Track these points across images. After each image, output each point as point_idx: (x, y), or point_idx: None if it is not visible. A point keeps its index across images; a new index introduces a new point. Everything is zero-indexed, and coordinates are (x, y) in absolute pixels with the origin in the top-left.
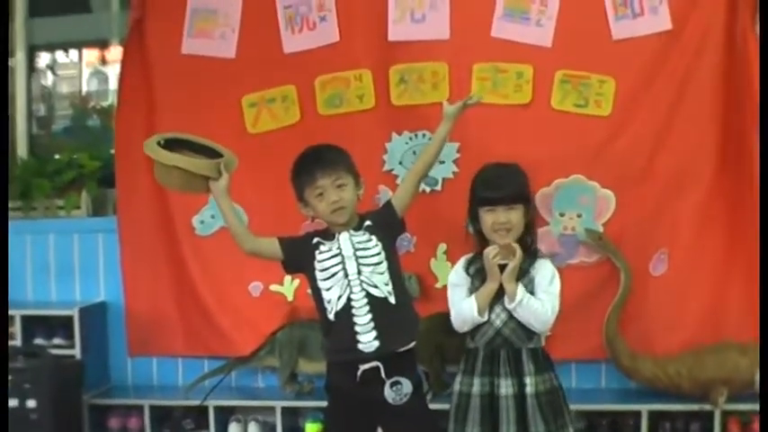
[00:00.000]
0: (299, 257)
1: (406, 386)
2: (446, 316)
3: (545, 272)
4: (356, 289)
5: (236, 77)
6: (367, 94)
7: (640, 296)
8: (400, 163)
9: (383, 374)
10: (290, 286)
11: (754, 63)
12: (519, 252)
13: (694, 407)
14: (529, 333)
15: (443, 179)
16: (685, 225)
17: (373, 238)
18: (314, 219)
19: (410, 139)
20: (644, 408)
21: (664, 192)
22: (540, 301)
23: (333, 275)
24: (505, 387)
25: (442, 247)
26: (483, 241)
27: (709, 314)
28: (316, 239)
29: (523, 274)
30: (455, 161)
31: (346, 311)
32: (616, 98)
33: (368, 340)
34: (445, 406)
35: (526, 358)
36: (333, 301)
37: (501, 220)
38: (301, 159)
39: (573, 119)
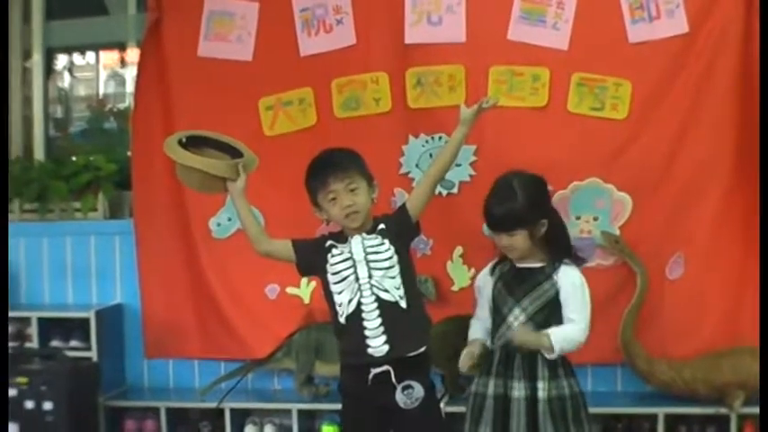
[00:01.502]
0: (312, 260)
1: (418, 390)
2: (463, 319)
3: (571, 283)
4: (366, 293)
5: (252, 80)
6: (384, 97)
7: (657, 300)
8: (417, 166)
9: (393, 379)
10: (306, 289)
11: None
12: (520, 332)
13: (710, 410)
14: None
15: (460, 182)
16: (702, 229)
17: (386, 241)
18: (329, 222)
19: (426, 142)
20: (660, 411)
21: (680, 195)
22: (572, 328)
23: (344, 279)
24: (518, 390)
25: (459, 250)
26: None
27: (725, 318)
28: (329, 242)
29: (546, 278)
30: (472, 164)
31: (357, 315)
32: (632, 101)
33: (378, 344)
34: (461, 409)
35: (541, 363)
36: (344, 304)
37: (503, 243)
38: (314, 164)
39: (589, 122)
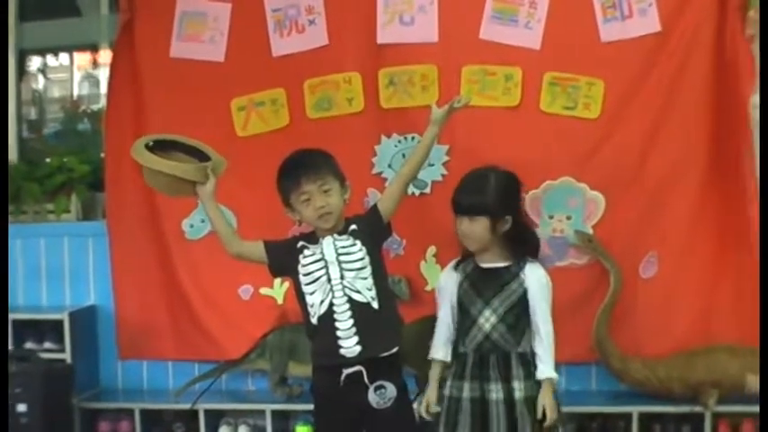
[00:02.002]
0: (283, 261)
1: (390, 390)
2: (435, 319)
3: (537, 281)
4: (338, 294)
5: (225, 81)
6: (356, 97)
7: (630, 298)
8: (389, 166)
9: (366, 379)
10: (279, 289)
11: (745, 64)
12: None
13: (685, 409)
14: (518, 337)
15: (433, 182)
16: (675, 227)
17: (357, 242)
18: (301, 222)
19: (399, 141)
20: (634, 410)
21: (653, 194)
22: (548, 337)
23: (316, 280)
24: (495, 392)
25: (432, 249)
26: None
27: (699, 317)
28: (300, 243)
29: (513, 277)
30: (444, 164)
31: (329, 316)
32: (605, 100)
33: (350, 345)
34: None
35: (515, 362)
36: (315, 305)
37: (463, 228)
38: (286, 164)
39: (562, 121)
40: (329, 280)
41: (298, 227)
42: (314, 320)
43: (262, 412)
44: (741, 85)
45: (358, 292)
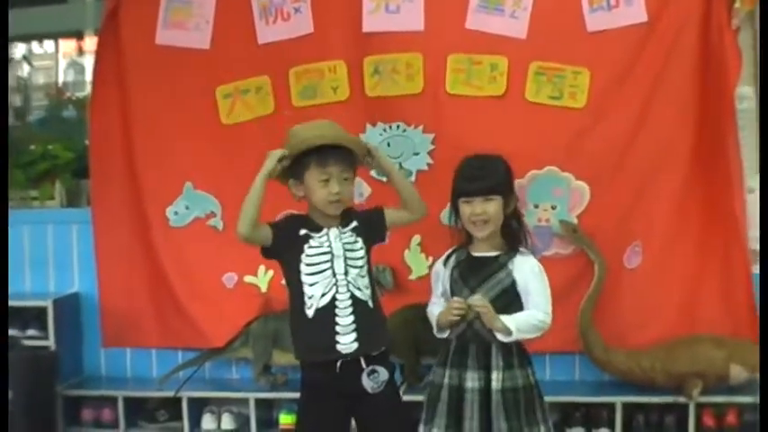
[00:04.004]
0: (285, 246)
1: (383, 374)
2: (421, 307)
3: (530, 271)
4: (342, 289)
5: (210, 68)
6: (341, 86)
7: (614, 289)
8: None
9: (363, 363)
10: (264, 277)
11: (731, 56)
12: (482, 302)
13: (669, 399)
14: None
15: (417, 171)
16: (660, 218)
17: (359, 240)
18: (301, 199)
19: (384, 130)
20: (618, 400)
21: (638, 184)
22: (530, 312)
23: (320, 272)
24: (472, 380)
25: (416, 238)
26: (465, 235)
27: (683, 307)
28: (303, 231)
29: (501, 267)
30: (430, 153)
31: (328, 310)
32: (591, 90)
33: (348, 342)
34: (418, 398)
35: (495, 352)
36: (315, 297)
37: (477, 211)
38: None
39: (547, 111)
40: (334, 274)
41: (298, 201)
42: (309, 312)
43: (245, 401)
44: (727, 76)
45: (359, 289)
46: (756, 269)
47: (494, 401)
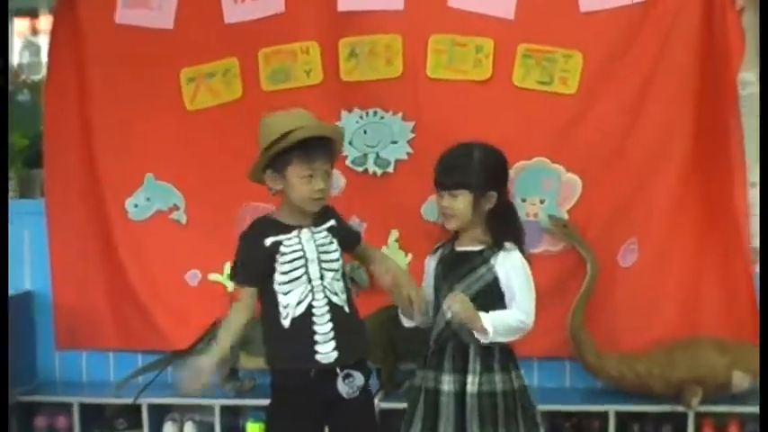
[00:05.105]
0: (261, 274)
1: (359, 379)
2: (396, 308)
3: (511, 266)
4: (319, 295)
5: (173, 50)
6: (314, 69)
7: (608, 289)
8: (350, 143)
9: (338, 369)
10: (229, 275)
11: (734, 38)
12: (459, 297)
13: (666, 408)
14: None
15: (396, 161)
16: (657, 213)
17: (335, 241)
18: (276, 194)
19: (361, 117)
20: (611, 408)
21: (634, 177)
22: (510, 312)
23: (294, 279)
24: (448, 384)
25: (395, 233)
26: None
27: (682, 308)
28: (270, 241)
29: (483, 262)
30: (409, 142)
31: (305, 319)
32: (583, 75)
33: (327, 350)
34: (396, 405)
35: (473, 355)
36: (290, 306)
37: (443, 204)
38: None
39: (536, 97)
40: (309, 280)
41: (272, 195)
42: (285, 322)
43: (210, 408)
44: (730, 60)
45: (335, 294)
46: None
47: (468, 406)
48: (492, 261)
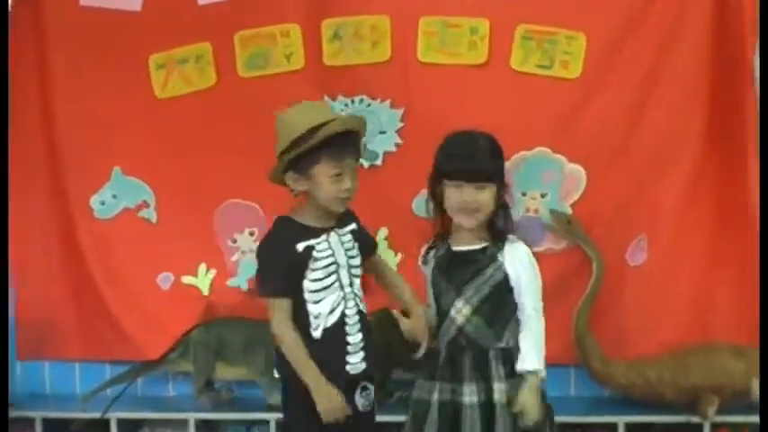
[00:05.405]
0: (295, 283)
1: (372, 391)
2: (389, 312)
3: (519, 261)
4: (350, 303)
5: (142, 34)
6: (295, 53)
7: (616, 289)
8: None
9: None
10: (204, 278)
11: (749, 19)
12: (529, 402)
13: (679, 418)
14: (498, 331)
15: (385, 152)
16: (668, 207)
17: (356, 245)
18: (298, 195)
19: (346, 105)
20: (620, 419)
21: (643, 168)
22: (534, 328)
23: (327, 287)
24: (469, 395)
25: (384, 231)
26: (444, 220)
27: (695, 310)
28: (303, 245)
29: (491, 260)
30: (398, 131)
31: (338, 328)
32: (587, 58)
33: (356, 361)
34: (386, 417)
35: (495, 360)
36: (322, 315)
37: (468, 198)
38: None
39: (536, 82)
40: (342, 287)
41: (295, 197)
42: (316, 333)
43: (184, 422)
44: (744, 42)
45: (362, 300)
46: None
47: (497, 415)
48: (500, 258)
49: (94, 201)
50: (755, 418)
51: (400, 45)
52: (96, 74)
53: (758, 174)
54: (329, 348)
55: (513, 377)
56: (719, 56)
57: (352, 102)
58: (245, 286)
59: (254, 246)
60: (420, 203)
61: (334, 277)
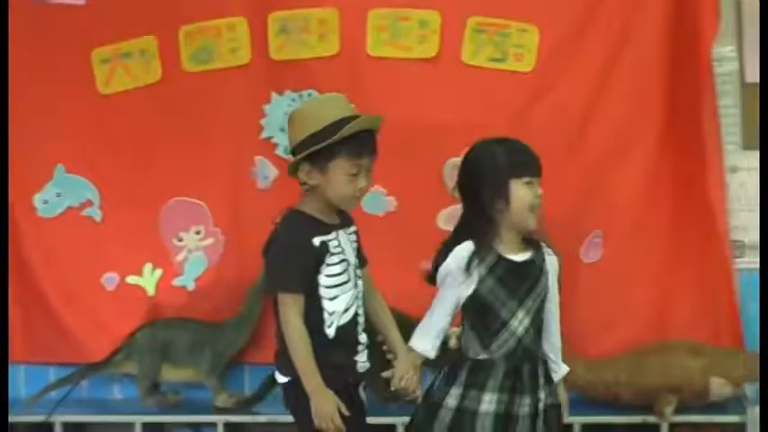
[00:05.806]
0: (311, 278)
1: (370, 391)
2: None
3: (554, 272)
4: (360, 301)
5: (85, 27)
6: (241, 48)
7: (570, 287)
8: (282, 130)
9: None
10: (151, 277)
11: (707, 9)
12: None
13: (636, 419)
14: (540, 340)
15: None
16: (624, 203)
17: (356, 246)
18: (309, 189)
19: (293, 100)
20: (576, 420)
21: (598, 164)
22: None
23: (343, 284)
24: (525, 406)
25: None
26: (492, 225)
27: (652, 309)
28: (319, 240)
29: (540, 271)
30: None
31: (351, 326)
32: (540, 51)
33: (363, 359)
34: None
35: (541, 369)
36: (337, 313)
37: (540, 193)
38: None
39: (489, 75)
40: (355, 285)
41: (306, 189)
42: (329, 331)
43: (130, 425)
44: (702, 33)
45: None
46: (737, 264)
47: (539, 423)
48: (546, 268)
49: (37, 199)
50: (716, 418)
51: (349, 39)
52: (38, 68)
53: (720, 169)
54: (342, 346)
55: (550, 383)
56: (677, 48)
57: (300, 97)
58: (191, 286)
59: (201, 244)
60: (370, 200)
61: (347, 275)
